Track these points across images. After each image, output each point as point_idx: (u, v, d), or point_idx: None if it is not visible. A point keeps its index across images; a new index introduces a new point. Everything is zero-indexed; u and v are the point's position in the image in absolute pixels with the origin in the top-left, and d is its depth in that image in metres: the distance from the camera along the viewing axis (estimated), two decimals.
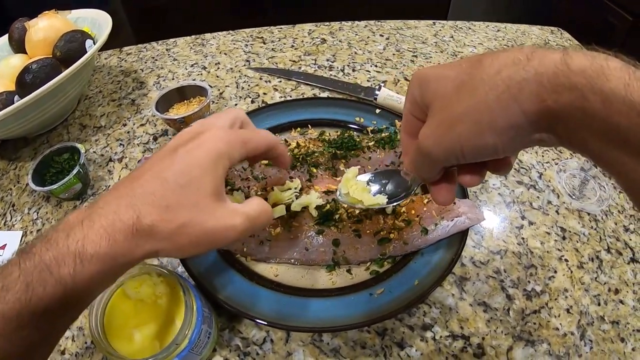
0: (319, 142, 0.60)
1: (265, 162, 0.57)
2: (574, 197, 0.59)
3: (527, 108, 0.24)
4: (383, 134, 0.61)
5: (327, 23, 1.01)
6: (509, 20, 1.00)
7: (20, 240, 0.61)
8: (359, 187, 0.43)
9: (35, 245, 0.28)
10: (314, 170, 0.57)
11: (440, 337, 0.46)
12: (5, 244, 0.61)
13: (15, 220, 0.64)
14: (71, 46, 0.74)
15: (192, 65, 0.91)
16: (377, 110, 0.67)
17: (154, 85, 0.86)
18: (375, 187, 0.42)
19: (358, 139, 0.60)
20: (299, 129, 0.67)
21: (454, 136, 0.27)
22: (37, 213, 0.64)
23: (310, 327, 0.45)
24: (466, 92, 0.26)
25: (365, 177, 0.43)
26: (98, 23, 0.80)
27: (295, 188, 0.52)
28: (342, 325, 0.44)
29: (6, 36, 0.83)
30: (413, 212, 0.50)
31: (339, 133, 0.63)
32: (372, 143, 0.59)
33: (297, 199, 0.51)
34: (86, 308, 0.31)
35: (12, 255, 0.29)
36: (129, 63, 0.94)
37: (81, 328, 0.50)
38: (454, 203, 0.50)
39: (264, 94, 0.81)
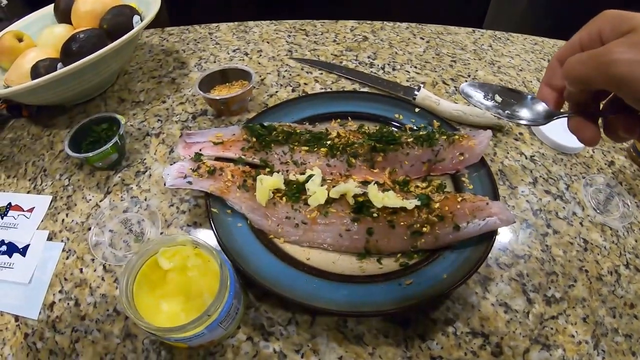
0: (358, 134, 0.61)
1: (306, 148, 0.59)
2: (598, 211, 0.61)
3: None
4: (421, 132, 0.62)
5: (369, 22, 1.01)
6: (538, 32, 1.01)
7: (50, 205, 0.62)
8: (389, 196, 0.49)
9: None
10: (353, 160, 0.58)
11: (461, 332, 0.48)
12: (34, 207, 0.62)
13: (46, 185, 0.65)
14: (119, 20, 0.75)
15: (234, 51, 0.92)
16: (417, 110, 0.68)
17: (195, 66, 0.88)
18: (489, 102, 0.39)
19: (397, 135, 0.61)
20: (339, 120, 0.68)
21: None
22: (69, 180, 0.65)
23: (337, 310, 0.46)
24: None
25: (476, 93, 0.39)
26: (145, 0, 0.82)
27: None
28: (369, 311, 0.45)
29: (51, 6, 0.84)
30: (447, 208, 0.51)
31: (378, 127, 0.64)
32: (411, 139, 0.59)
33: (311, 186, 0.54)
34: None
35: None
36: (171, 43, 0.96)
37: (104, 295, 0.51)
38: (487, 203, 0.51)
39: (305, 84, 0.82)
